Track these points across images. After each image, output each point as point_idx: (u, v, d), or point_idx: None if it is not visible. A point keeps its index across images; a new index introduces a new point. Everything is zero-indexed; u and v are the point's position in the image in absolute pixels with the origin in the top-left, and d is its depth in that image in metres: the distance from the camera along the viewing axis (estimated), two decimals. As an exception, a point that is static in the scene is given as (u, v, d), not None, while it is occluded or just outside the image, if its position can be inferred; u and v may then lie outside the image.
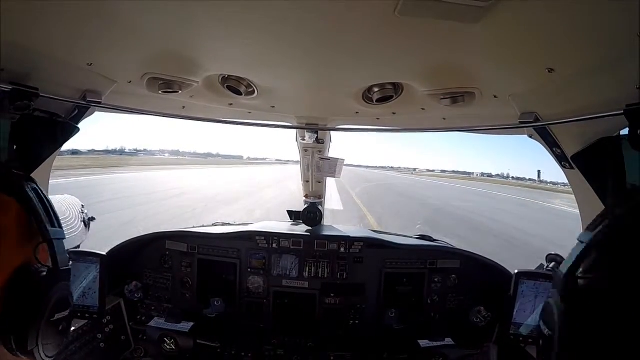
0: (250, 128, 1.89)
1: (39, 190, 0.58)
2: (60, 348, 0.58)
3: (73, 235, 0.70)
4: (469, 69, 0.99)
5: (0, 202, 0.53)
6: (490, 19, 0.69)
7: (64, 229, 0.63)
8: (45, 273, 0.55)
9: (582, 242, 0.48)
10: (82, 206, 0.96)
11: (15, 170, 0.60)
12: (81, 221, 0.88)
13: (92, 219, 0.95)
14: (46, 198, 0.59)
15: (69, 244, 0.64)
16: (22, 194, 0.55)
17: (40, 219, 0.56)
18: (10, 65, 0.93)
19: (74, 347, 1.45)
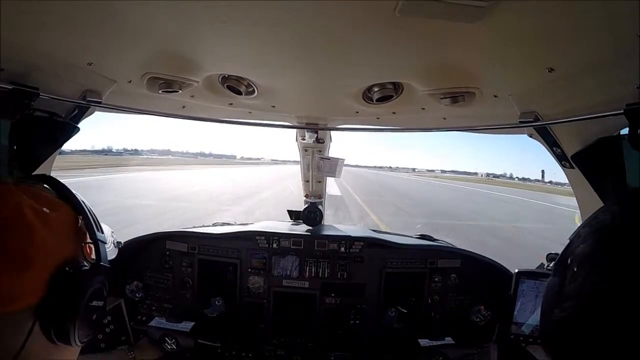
0: (246, 128, 1.88)
1: (84, 202, 0.66)
2: (90, 336, 0.64)
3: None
4: (469, 68, 0.99)
5: (54, 201, 0.60)
6: (490, 19, 0.69)
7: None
8: (87, 268, 0.62)
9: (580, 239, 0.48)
10: (112, 232, 1.05)
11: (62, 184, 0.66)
12: (112, 243, 1.01)
13: (120, 243, 1.08)
14: (90, 208, 0.67)
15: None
16: (74, 198, 0.63)
17: (89, 222, 0.64)
18: (10, 65, 0.93)
19: None
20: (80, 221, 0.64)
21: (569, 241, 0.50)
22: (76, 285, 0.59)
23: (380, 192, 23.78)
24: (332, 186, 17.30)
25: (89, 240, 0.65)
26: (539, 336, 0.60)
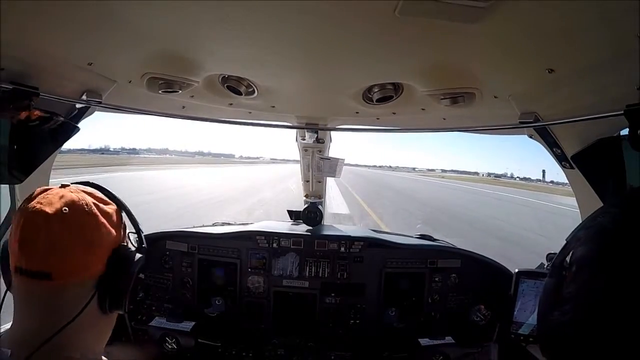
0: (246, 128, 1.88)
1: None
2: (132, 307, 0.84)
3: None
4: (468, 69, 0.99)
5: (107, 201, 0.75)
6: (490, 19, 0.69)
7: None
8: (133, 249, 0.77)
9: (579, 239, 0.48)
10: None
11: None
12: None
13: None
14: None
15: None
16: (116, 198, 0.78)
17: (131, 215, 0.81)
18: (10, 65, 0.93)
19: None
20: (123, 216, 0.78)
21: (565, 242, 0.49)
22: (129, 262, 0.74)
23: (389, 196, 20.86)
24: (334, 198, 15.34)
25: (131, 230, 0.80)
26: (536, 338, 0.60)
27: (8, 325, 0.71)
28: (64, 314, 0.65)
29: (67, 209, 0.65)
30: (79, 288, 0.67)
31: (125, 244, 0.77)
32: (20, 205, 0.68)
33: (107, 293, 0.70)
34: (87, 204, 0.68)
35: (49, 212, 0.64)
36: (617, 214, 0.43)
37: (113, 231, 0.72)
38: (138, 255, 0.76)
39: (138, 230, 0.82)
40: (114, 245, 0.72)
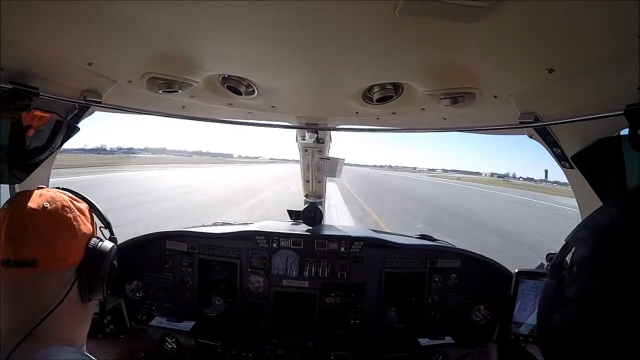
0: (246, 127, 1.88)
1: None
2: (110, 293, 0.87)
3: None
4: (469, 69, 0.99)
5: (80, 200, 0.84)
6: (490, 19, 0.69)
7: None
8: (105, 240, 0.85)
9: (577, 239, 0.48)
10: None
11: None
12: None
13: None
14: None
15: None
16: (88, 200, 0.87)
17: (100, 213, 0.91)
18: (10, 65, 0.93)
19: None
20: (94, 214, 0.87)
21: (564, 243, 0.49)
22: (103, 251, 0.81)
23: (400, 203, 17.61)
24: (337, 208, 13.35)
25: (101, 224, 0.90)
26: (537, 338, 0.59)
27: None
28: (48, 301, 0.72)
29: (47, 204, 0.74)
30: (60, 276, 0.74)
31: (97, 237, 0.84)
32: (3, 207, 0.75)
33: (86, 281, 0.78)
34: (64, 200, 0.77)
35: (33, 207, 0.72)
36: (617, 213, 0.42)
37: (88, 223, 0.81)
38: (110, 245, 0.84)
39: (107, 224, 0.92)
40: (89, 235, 0.80)
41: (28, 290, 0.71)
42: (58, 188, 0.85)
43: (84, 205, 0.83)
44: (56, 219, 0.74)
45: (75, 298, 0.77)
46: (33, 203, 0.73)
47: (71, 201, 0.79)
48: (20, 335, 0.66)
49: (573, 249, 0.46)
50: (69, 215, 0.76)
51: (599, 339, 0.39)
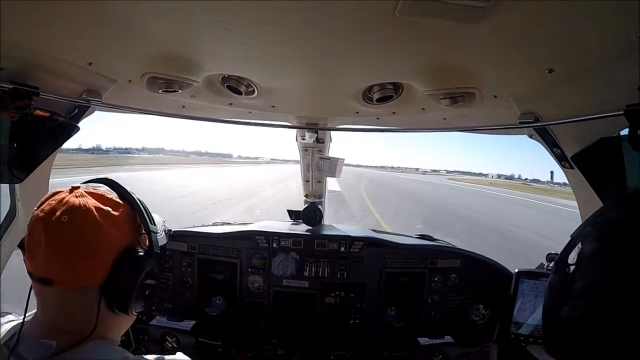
0: (246, 127, 1.88)
1: (141, 201, 0.79)
2: (144, 307, 0.80)
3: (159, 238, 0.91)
4: (468, 69, 0.99)
5: (115, 201, 0.73)
6: (490, 19, 0.69)
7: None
8: (142, 253, 0.75)
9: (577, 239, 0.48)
10: (164, 221, 1.18)
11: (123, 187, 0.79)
12: (164, 232, 1.12)
13: (170, 230, 1.19)
14: (146, 206, 0.80)
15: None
16: (131, 198, 0.77)
17: (143, 217, 0.77)
18: (10, 64, 0.93)
19: None
20: (137, 216, 0.77)
21: (570, 239, 0.49)
22: (134, 267, 0.73)
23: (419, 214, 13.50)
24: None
25: (143, 231, 0.78)
26: (542, 335, 0.59)
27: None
28: (74, 316, 0.68)
29: (66, 217, 0.65)
30: (81, 294, 0.68)
31: (136, 246, 0.75)
32: (33, 212, 0.69)
33: (111, 298, 0.70)
34: (88, 210, 0.67)
35: (48, 221, 0.65)
36: (624, 210, 0.43)
37: (120, 235, 0.71)
38: (144, 257, 0.74)
39: (148, 232, 0.78)
40: (120, 248, 0.71)
41: (53, 303, 0.68)
42: (102, 180, 0.77)
43: (120, 210, 0.73)
44: (74, 234, 0.65)
45: (106, 312, 0.71)
46: (51, 215, 0.65)
47: (99, 209, 0.69)
48: (64, 343, 0.64)
49: (578, 246, 0.47)
50: (93, 228, 0.67)
51: (608, 331, 0.39)
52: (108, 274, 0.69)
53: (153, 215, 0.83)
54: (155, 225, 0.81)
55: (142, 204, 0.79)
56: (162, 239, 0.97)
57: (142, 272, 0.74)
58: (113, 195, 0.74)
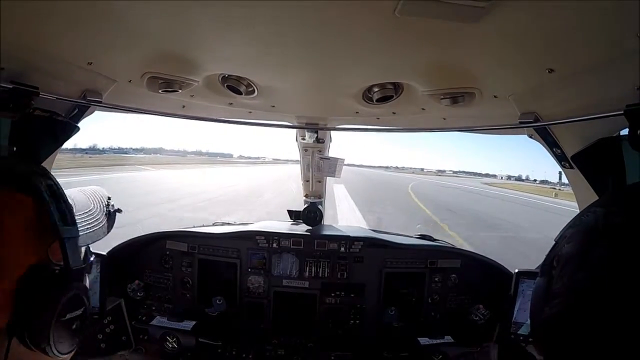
0: (246, 127, 1.88)
1: (55, 187, 0.55)
2: (74, 346, 0.58)
3: (94, 230, 0.66)
4: (469, 69, 0.99)
5: (17, 200, 0.51)
6: (490, 19, 0.69)
7: (89, 224, 0.62)
8: (57, 271, 0.53)
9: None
10: (109, 198, 0.84)
11: (32, 167, 0.56)
12: (105, 214, 0.76)
13: (119, 210, 0.85)
14: (62, 195, 0.56)
15: (87, 239, 0.64)
16: (37, 191, 0.52)
17: (53, 217, 0.53)
18: (10, 64, 0.93)
19: None
20: (47, 213, 0.53)
21: (554, 242, 0.51)
22: (43, 297, 0.50)
23: None
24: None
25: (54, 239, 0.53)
26: (531, 335, 0.61)
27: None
28: None
29: None
30: None
31: (47, 263, 0.53)
32: None
33: (25, 340, 0.49)
34: None
35: None
36: (600, 213, 0.45)
37: (19, 251, 0.49)
38: (63, 280, 0.52)
39: (61, 240, 0.53)
40: (21, 272, 0.49)
41: None
42: None
43: (22, 208, 0.50)
44: None
45: (26, 350, 0.51)
46: None
47: None
48: None
49: (560, 247, 0.49)
50: None
51: (584, 327, 0.40)
52: (12, 307, 0.48)
53: (90, 195, 0.61)
54: (74, 225, 0.56)
55: (58, 197, 0.55)
56: (102, 228, 0.70)
57: (58, 302, 0.52)
58: (6, 189, 0.50)
